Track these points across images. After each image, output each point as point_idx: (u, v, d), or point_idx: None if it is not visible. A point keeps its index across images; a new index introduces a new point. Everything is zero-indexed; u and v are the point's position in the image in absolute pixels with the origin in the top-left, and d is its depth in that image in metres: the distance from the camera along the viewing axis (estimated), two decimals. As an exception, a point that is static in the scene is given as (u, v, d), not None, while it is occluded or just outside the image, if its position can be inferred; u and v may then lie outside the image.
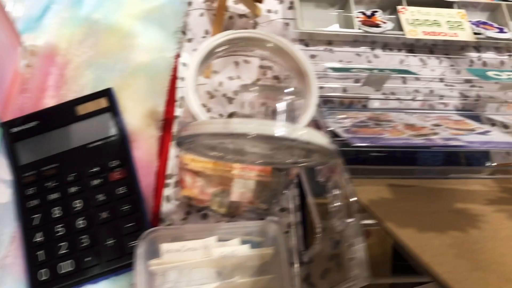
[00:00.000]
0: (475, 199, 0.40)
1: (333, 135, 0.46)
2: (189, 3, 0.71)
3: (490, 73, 0.63)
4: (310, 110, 0.45)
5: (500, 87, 0.68)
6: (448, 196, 0.42)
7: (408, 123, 0.51)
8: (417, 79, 0.70)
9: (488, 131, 0.49)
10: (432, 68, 0.73)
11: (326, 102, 0.59)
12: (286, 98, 0.50)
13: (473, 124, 0.52)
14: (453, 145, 0.42)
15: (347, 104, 0.65)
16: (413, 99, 0.69)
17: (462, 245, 0.35)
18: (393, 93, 0.69)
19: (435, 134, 0.46)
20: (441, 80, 0.72)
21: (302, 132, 0.33)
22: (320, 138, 0.34)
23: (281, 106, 0.51)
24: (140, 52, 0.64)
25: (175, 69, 0.66)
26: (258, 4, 0.70)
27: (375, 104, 0.67)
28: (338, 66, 0.61)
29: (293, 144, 0.33)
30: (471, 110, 0.65)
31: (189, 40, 0.69)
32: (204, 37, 0.69)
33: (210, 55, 0.49)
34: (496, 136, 0.47)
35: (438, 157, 0.53)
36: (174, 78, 0.65)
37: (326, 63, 0.70)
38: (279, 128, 0.33)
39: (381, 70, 0.62)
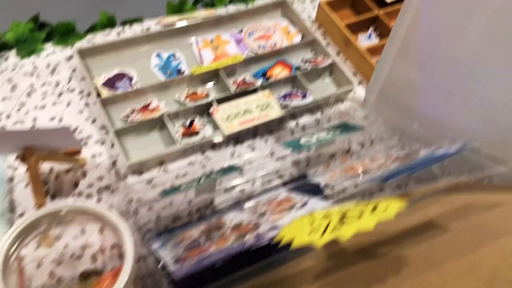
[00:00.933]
0: (303, 281, 0.42)
1: (164, 268, 0.47)
2: (11, 179, 0.70)
3: (302, 141, 0.70)
4: (127, 265, 0.46)
5: (319, 147, 0.75)
6: (286, 284, 0.44)
7: (236, 223, 0.53)
8: (251, 162, 0.75)
9: (305, 203, 0.54)
10: (261, 149, 0.78)
11: (160, 233, 0.60)
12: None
13: (295, 198, 0.57)
14: (269, 237, 0.45)
15: (186, 221, 0.67)
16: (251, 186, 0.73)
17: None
18: (233, 187, 0.73)
19: (256, 229, 0.49)
20: (272, 155, 0.77)
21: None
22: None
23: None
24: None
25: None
26: (77, 157, 0.71)
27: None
28: (167, 190, 0.63)
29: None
30: (301, 175, 0.70)
31: (21, 215, 0.68)
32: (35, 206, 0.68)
33: (7, 258, 0.48)
34: (310, 206, 0.51)
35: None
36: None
37: (163, 186, 0.73)
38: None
39: (208, 176, 0.65)
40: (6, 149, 0.62)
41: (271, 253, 0.47)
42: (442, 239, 0.42)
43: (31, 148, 0.60)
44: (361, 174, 0.57)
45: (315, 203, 0.52)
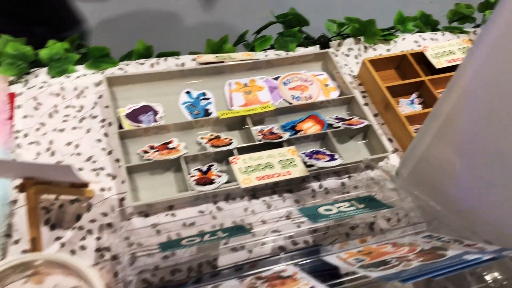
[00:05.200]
0: None
1: None
2: (14, 202, 0.68)
3: (321, 210, 0.64)
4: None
5: (336, 221, 0.69)
6: None
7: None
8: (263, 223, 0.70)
9: (311, 288, 0.48)
10: (277, 207, 0.73)
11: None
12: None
13: (300, 280, 0.51)
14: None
15: (181, 282, 0.62)
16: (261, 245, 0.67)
17: None
18: (242, 246, 0.68)
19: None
20: (288, 217, 0.72)
21: None
22: None
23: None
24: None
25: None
26: (84, 188, 0.68)
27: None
28: (167, 242, 0.58)
29: None
30: (313, 250, 0.64)
31: (16, 242, 0.64)
32: (32, 235, 0.65)
33: None
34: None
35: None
36: None
37: (168, 233, 0.68)
38: None
39: (213, 234, 0.60)
40: (8, 175, 0.59)
41: None
42: None
43: (31, 179, 0.57)
44: (379, 263, 0.51)
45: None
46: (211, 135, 0.79)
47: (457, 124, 0.60)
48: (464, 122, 0.58)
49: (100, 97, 0.82)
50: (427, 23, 1.08)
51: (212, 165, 0.75)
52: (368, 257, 0.55)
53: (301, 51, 0.96)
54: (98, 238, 0.67)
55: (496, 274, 0.56)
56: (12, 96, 0.79)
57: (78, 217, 0.68)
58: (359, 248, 0.58)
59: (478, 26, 1.10)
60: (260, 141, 0.77)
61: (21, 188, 0.57)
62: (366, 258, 0.55)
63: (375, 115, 0.88)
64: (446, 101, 0.61)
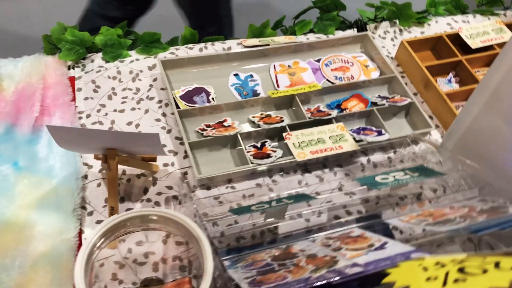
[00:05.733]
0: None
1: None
2: (85, 177, 0.72)
3: (378, 178, 0.68)
4: (206, 280, 0.45)
5: (392, 188, 0.73)
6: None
7: (310, 253, 0.52)
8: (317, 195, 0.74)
9: (384, 244, 0.52)
10: (329, 181, 0.77)
11: (231, 249, 0.60)
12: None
13: (371, 237, 0.55)
14: (351, 273, 0.43)
15: (256, 243, 0.66)
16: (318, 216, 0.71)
17: None
18: (299, 215, 0.72)
19: (335, 263, 0.47)
20: (340, 189, 0.76)
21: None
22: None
23: None
24: (39, 241, 0.63)
25: (80, 247, 0.65)
26: (152, 162, 0.72)
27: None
28: (238, 208, 0.63)
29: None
30: (375, 215, 0.68)
31: (90, 214, 0.69)
32: (104, 206, 0.70)
33: (94, 248, 0.49)
34: (391, 248, 0.49)
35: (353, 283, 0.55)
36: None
37: (230, 203, 0.73)
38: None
39: (279, 200, 0.64)
40: (90, 148, 0.63)
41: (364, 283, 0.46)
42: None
43: (114, 150, 0.61)
44: (444, 221, 0.55)
45: (396, 245, 0.50)
46: (262, 113, 0.83)
47: (506, 94, 0.64)
48: (515, 91, 0.62)
49: (154, 80, 0.86)
50: (457, 7, 1.11)
51: (266, 141, 0.79)
52: (430, 218, 0.58)
53: (340, 34, 1.00)
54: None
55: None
56: (72, 80, 0.84)
57: (145, 191, 0.72)
58: (418, 211, 0.62)
59: (507, 8, 1.13)
60: (309, 118, 0.81)
61: (105, 158, 0.61)
62: (427, 219, 0.59)
63: (414, 94, 0.92)
64: (495, 74, 0.65)
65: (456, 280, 0.26)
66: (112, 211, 0.64)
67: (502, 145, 0.67)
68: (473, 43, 0.96)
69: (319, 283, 0.42)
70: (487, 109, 0.68)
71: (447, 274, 0.28)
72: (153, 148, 0.61)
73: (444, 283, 0.27)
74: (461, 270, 0.28)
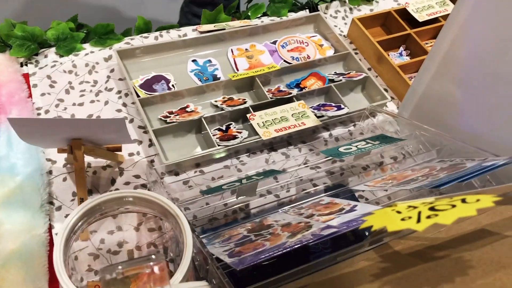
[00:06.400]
0: (361, 279, 0.43)
1: (219, 261, 0.47)
2: (50, 172, 0.71)
3: (341, 149, 0.70)
4: (187, 254, 0.46)
5: (355, 157, 0.76)
6: (337, 285, 0.44)
7: (285, 222, 0.54)
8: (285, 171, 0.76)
9: (355, 206, 0.54)
10: (295, 157, 0.79)
11: (205, 230, 0.61)
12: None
13: (341, 203, 0.57)
14: (326, 234, 0.45)
15: (229, 221, 0.67)
16: (287, 191, 0.73)
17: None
18: (269, 192, 0.73)
19: (310, 227, 0.49)
20: (306, 164, 0.78)
21: None
22: None
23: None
24: (8, 240, 0.61)
25: (51, 243, 0.64)
26: (118, 152, 0.71)
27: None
28: (209, 189, 0.63)
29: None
30: (340, 185, 0.71)
31: (58, 209, 0.68)
32: (72, 200, 0.69)
33: (72, 232, 0.49)
34: (361, 209, 0.52)
35: (327, 245, 0.57)
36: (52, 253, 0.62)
37: (199, 186, 0.73)
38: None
39: (249, 178, 0.66)
40: (54, 140, 0.62)
41: (323, 253, 0.47)
42: (502, 244, 0.43)
43: (80, 140, 0.60)
44: (408, 181, 0.57)
45: (365, 207, 0.53)
46: (224, 97, 0.84)
47: (456, 59, 0.68)
48: (462, 55, 0.66)
49: (111, 71, 0.85)
50: (402, -16, 1.15)
51: (231, 124, 0.80)
52: (394, 180, 0.61)
53: (293, 15, 1.01)
54: (136, 198, 0.71)
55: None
56: (26, 77, 0.81)
57: (113, 181, 0.72)
58: (383, 176, 0.65)
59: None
60: (271, 98, 0.83)
61: (70, 149, 0.60)
62: (392, 181, 0.61)
63: (369, 69, 0.95)
64: (444, 40, 0.68)
65: (428, 217, 0.28)
66: (82, 202, 0.63)
67: (455, 108, 0.70)
68: (420, 16, 1.00)
69: (296, 246, 0.43)
70: (438, 75, 0.71)
71: (419, 213, 0.30)
72: (119, 134, 0.60)
73: (418, 220, 0.29)
74: (432, 208, 0.30)
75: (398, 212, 0.32)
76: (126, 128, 0.59)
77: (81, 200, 0.63)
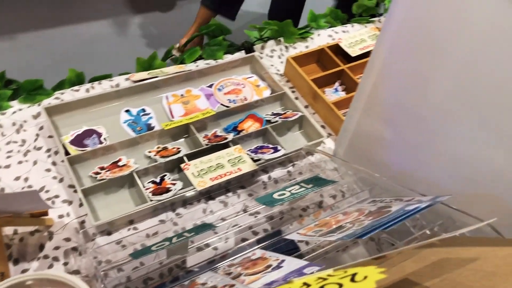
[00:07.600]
0: None
1: None
2: (-29, 244, 0.67)
3: (275, 196, 0.69)
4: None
5: (290, 203, 0.75)
6: None
7: (211, 286, 0.52)
8: (223, 219, 0.74)
9: (282, 262, 0.53)
10: (233, 204, 0.78)
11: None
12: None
13: (270, 257, 0.56)
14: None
15: (159, 283, 0.65)
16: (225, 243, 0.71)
17: None
18: (207, 245, 0.71)
19: (232, 292, 0.47)
20: (245, 211, 0.77)
21: None
22: None
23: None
24: None
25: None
26: (44, 217, 0.68)
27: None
28: (138, 251, 0.61)
29: None
30: (279, 231, 0.70)
31: (-19, 283, 0.64)
32: (-4, 273, 0.65)
33: None
34: (287, 267, 0.51)
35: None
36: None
37: (133, 245, 0.71)
38: None
39: (180, 235, 0.63)
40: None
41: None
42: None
43: (-6, 212, 0.57)
44: (335, 229, 0.57)
45: (291, 262, 0.51)
46: (158, 147, 0.83)
47: (379, 98, 0.68)
48: (385, 94, 0.66)
49: (41, 128, 0.82)
50: (336, 18, 1.17)
51: (165, 175, 0.78)
52: (325, 227, 0.60)
53: (228, 58, 1.01)
54: (66, 263, 0.68)
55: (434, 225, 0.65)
56: None
57: (41, 247, 0.69)
58: (315, 222, 0.64)
59: (381, 15, 1.21)
60: (207, 145, 0.81)
61: (-16, 224, 0.57)
62: (323, 228, 0.61)
63: (306, 107, 0.96)
64: (367, 80, 0.69)
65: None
66: (2, 277, 0.60)
67: (384, 145, 0.71)
68: (353, 51, 1.02)
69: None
70: (366, 114, 0.72)
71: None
72: (36, 204, 0.58)
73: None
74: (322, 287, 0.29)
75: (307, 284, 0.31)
76: (40, 198, 0.57)
77: (1, 275, 0.60)
